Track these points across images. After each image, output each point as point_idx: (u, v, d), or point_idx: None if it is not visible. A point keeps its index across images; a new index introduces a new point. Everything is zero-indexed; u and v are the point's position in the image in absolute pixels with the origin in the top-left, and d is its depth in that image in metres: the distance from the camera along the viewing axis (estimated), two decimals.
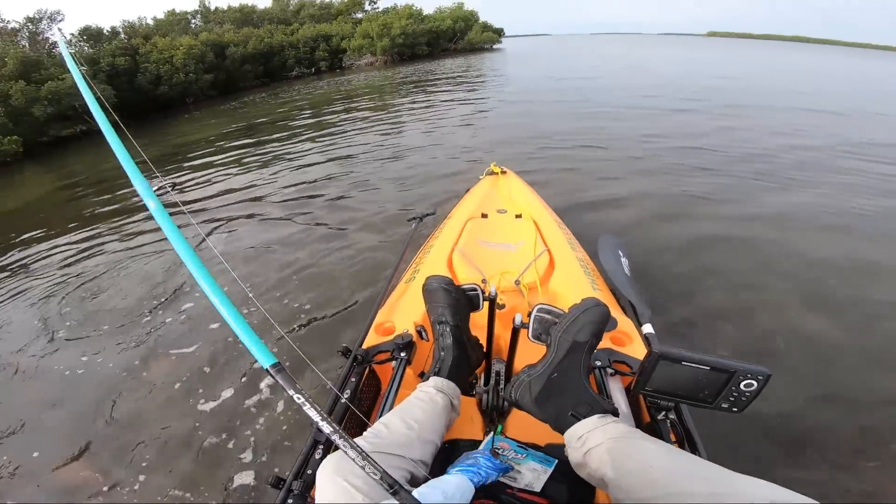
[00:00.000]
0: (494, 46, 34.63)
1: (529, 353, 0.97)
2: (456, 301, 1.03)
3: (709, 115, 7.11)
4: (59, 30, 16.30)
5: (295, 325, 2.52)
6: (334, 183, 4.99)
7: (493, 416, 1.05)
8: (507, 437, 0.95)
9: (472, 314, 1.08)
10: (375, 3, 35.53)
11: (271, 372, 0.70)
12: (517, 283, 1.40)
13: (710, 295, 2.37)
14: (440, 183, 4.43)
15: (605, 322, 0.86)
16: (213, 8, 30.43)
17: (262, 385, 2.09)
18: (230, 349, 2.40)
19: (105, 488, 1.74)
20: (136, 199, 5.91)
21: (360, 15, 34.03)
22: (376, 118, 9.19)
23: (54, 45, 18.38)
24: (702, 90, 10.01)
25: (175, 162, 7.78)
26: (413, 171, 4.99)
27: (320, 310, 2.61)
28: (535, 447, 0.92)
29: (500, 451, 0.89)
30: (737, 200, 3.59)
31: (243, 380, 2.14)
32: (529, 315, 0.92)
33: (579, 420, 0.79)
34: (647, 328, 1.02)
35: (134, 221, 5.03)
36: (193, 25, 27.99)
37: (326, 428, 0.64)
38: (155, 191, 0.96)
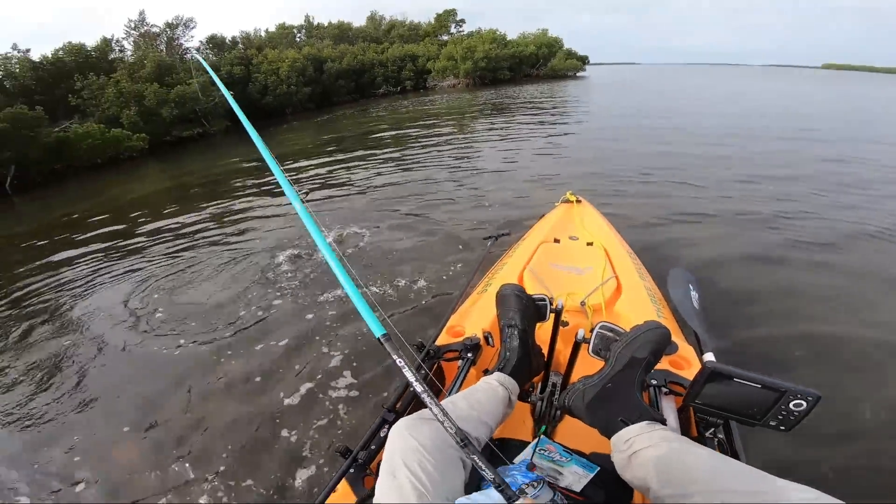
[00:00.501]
0: (578, 74, 34.08)
1: (587, 369, 1.01)
2: (525, 308, 1.12)
3: (810, 153, 6.51)
4: (195, 49, 18.53)
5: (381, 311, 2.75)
6: (416, 196, 5.25)
7: (544, 423, 1.12)
8: (555, 441, 1.02)
9: (538, 325, 1.16)
10: (461, 26, 36.65)
11: (381, 340, 0.86)
12: (582, 303, 1.47)
13: (779, 335, 2.30)
14: (515, 205, 4.53)
15: (664, 343, 0.89)
16: (315, 23, 33.17)
17: (339, 384, 2.20)
18: (314, 346, 2.53)
19: (163, 472, 1.86)
20: (240, 200, 6.51)
21: (445, 37, 35.15)
22: (457, 139, 9.36)
23: (186, 50, 20.91)
24: (805, 127, 9.03)
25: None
26: (490, 192, 5.12)
27: (402, 304, 2.86)
28: (580, 454, 0.97)
29: (545, 453, 0.96)
30: (825, 244, 3.39)
31: (319, 376, 2.27)
32: (592, 331, 0.96)
33: (628, 425, 0.83)
34: (709, 356, 1.00)
35: (236, 220, 5.42)
36: (298, 39, 30.62)
37: (419, 387, 0.79)
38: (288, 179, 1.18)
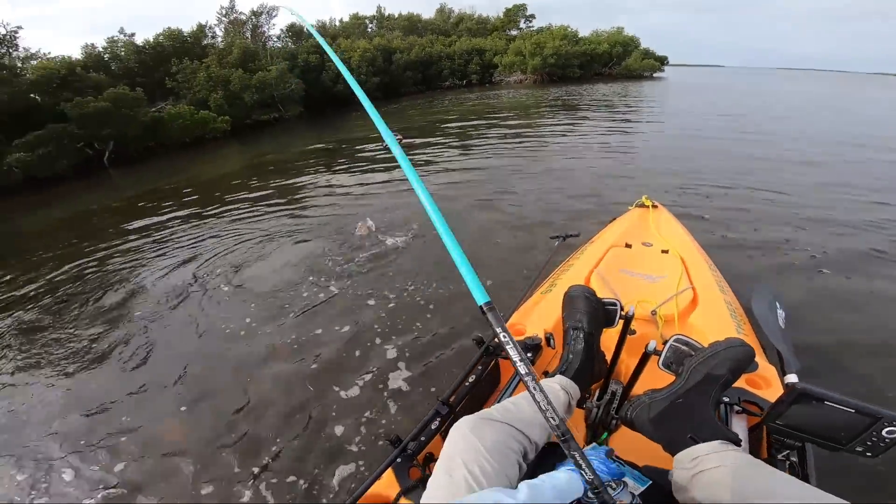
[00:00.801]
0: (655, 75, 31.84)
1: (651, 382, 0.97)
2: (594, 311, 1.08)
3: None
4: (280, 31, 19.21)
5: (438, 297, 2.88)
6: (481, 188, 5.20)
7: (597, 431, 1.07)
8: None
9: (604, 331, 1.11)
10: (531, 21, 35.56)
11: (484, 308, 0.81)
12: (653, 312, 1.41)
13: (866, 354, 2.14)
14: (583, 205, 4.36)
15: (746, 362, 0.84)
16: (386, 14, 33.65)
17: (394, 375, 2.20)
18: (371, 335, 2.53)
19: (206, 453, 1.88)
20: (310, 181, 6.80)
21: (514, 32, 34.34)
22: (524, 133, 9.10)
23: (269, 38, 21.96)
24: None
25: (347, 153, 8.97)
26: (557, 189, 4.93)
27: (460, 297, 2.80)
28: (633, 466, 0.91)
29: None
30: None
31: (374, 368, 2.26)
32: (665, 343, 0.92)
33: (697, 443, 0.79)
34: (792, 378, 0.93)
35: (305, 200, 5.62)
36: (370, 30, 31.24)
37: (522, 368, 0.75)
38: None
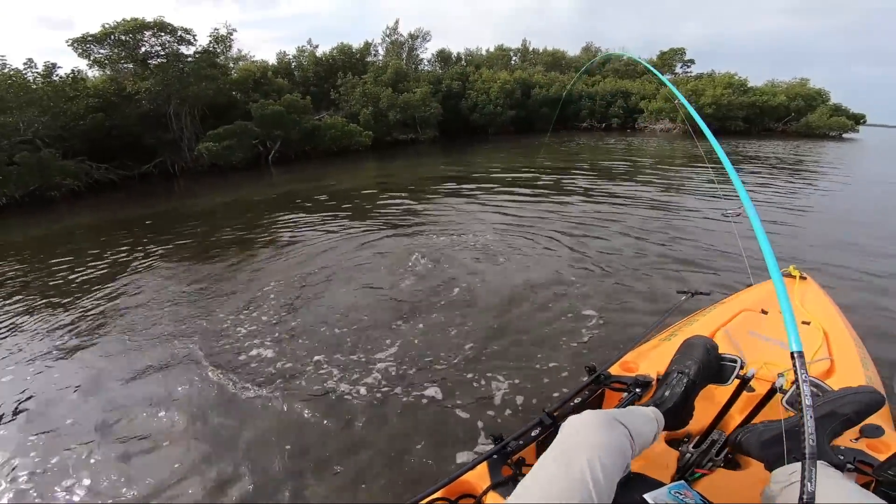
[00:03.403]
0: (845, 135, 26.29)
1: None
2: (707, 364, 1.11)
3: None
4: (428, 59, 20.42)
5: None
6: (613, 231, 5.26)
7: (685, 474, 1.11)
8: (696, 490, 0.97)
9: (711, 386, 1.17)
10: (689, 66, 32.54)
11: (794, 355, 0.82)
12: (780, 375, 1.36)
13: None
14: (722, 264, 4.11)
15: (874, 407, 0.89)
16: (531, 48, 33.96)
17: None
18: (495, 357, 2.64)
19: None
20: (429, 206, 6.98)
21: (667, 77, 31.76)
22: (666, 183, 8.76)
23: (421, 61, 23.65)
24: None
25: (470, 187, 8.70)
26: (691, 243, 4.81)
27: (575, 326, 2.99)
28: None
29: (680, 496, 0.93)
30: None
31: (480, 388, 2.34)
32: (794, 382, 0.94)
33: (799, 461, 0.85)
34: None
35: (405, 225, 5.92)
36: (513, 62, 31.82)
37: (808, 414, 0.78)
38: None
